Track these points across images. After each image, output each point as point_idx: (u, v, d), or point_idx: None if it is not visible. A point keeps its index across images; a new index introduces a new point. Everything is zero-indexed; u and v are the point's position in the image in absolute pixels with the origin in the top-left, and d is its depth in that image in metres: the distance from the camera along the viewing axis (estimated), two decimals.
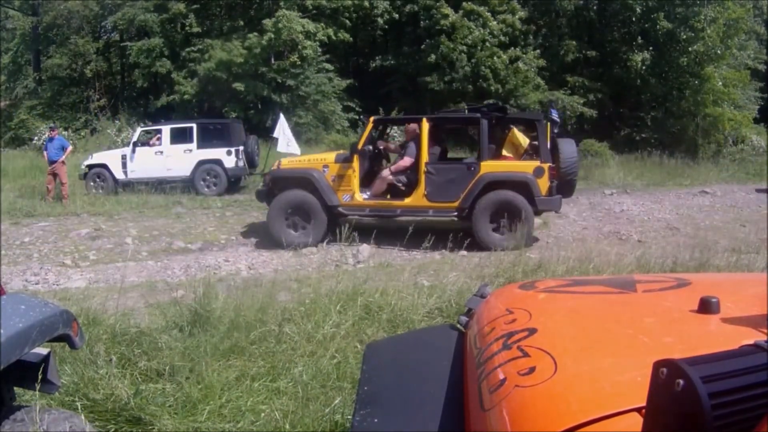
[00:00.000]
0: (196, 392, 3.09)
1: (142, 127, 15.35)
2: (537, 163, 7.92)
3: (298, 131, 19.06)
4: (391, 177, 8.24)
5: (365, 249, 7.77)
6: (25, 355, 1.78)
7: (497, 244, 7.38)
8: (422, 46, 21.78)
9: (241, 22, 21.65)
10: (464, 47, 20.17)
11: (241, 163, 13.26)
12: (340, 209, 8.18)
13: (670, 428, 0.67)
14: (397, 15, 22.55)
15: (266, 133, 15.75)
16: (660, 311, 1.27)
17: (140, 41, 22.22)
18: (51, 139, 11.99)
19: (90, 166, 13.34)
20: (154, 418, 2.91)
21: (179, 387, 3.17)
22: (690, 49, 19.38)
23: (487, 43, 20.32)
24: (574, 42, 22.13)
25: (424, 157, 8.03)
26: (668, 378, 0.67)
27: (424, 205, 8.06)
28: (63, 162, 11.83)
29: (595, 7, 23.26)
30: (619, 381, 0.93)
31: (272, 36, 19.54)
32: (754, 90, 22.74)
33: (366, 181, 8.40)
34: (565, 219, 10.73)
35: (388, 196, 8.32)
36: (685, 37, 19.31)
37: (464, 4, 20.45)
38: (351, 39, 22.44)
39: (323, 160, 8.41)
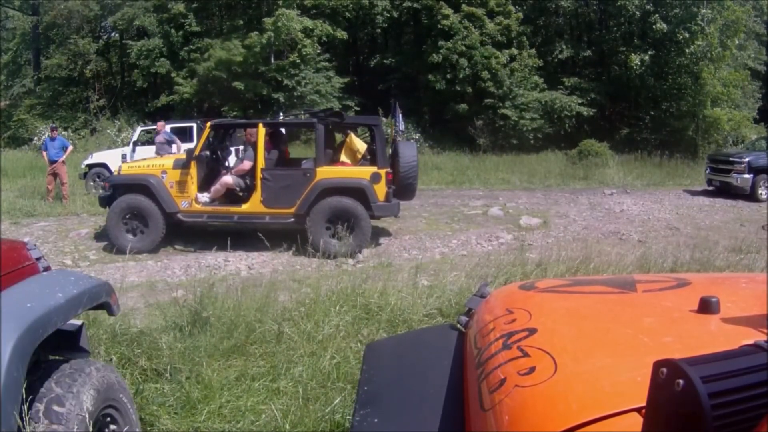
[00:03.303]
0: (196, 392, 3.09)
1: (141, 126, 15.35)
2: (374, 169, 7.90)
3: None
4: (230, 181, 8.20)
5: (365, 249, 7.77)
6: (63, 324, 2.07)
7: (333, 250, 7.33)
8: (423, 47, 21.80)
9: (241, 22, 21.67)
10: (463, 48, 20.19)
11: None
12: (179, 216, 8.10)
13: (670, 428, 0.67)
14: (396, 13, 22.55)
15: None
16: (660, 311, 1.27)
17: (140, 41, 22.24)
18: (52, 139, 11.99)
19: (90, 166, 13.35)
20: (154, 418, 2.91)
21: (179, 387, 3.17)
22: (687, 50, 19.39)
23: (485, 45, 20.34)
24: (572, 42, 22.17)
25: (260, 163, 8.00)
26: (668, 378, 0.67)
27: (261, 211, 8.00)
28: (63, 162, 11.83)
29: (595, 7, 23.27)
30: (619, 381, 0.93)
31: (272, 35, 19.55)
32: (753, 90, 22.75)
33: (206, 187, 8.33)
34: (565, 219, 10.74)
35: (227, 202, 8.27)
36: (682, 38, 19.32)
37: (463, 6, 20.47)
38: (350, 38, 22.46)
39: (162, 166, 8.29)
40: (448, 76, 20.59)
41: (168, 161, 8.45)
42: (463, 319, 1.49)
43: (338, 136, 9.27)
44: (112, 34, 25.90)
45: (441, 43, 20.54)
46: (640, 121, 21.56)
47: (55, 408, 1.87)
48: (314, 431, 2.79)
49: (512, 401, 0.95)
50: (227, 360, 3.49)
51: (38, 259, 2.30)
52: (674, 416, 0.66)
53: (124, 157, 13.32)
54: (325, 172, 7.91)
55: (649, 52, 20.43)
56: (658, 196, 13.41)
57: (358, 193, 7.79)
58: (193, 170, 8.10)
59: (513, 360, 1.07)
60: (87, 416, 1.94)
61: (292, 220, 7.96)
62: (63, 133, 17.09)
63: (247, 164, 8.18)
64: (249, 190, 8.13)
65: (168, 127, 13.27)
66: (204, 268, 7.08)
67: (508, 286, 1.72)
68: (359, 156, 8.28)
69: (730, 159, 13.79)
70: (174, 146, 11.89)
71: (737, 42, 20.27)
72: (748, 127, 20.49)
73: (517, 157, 19.20)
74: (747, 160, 13.42)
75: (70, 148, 12.45)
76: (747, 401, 0.65)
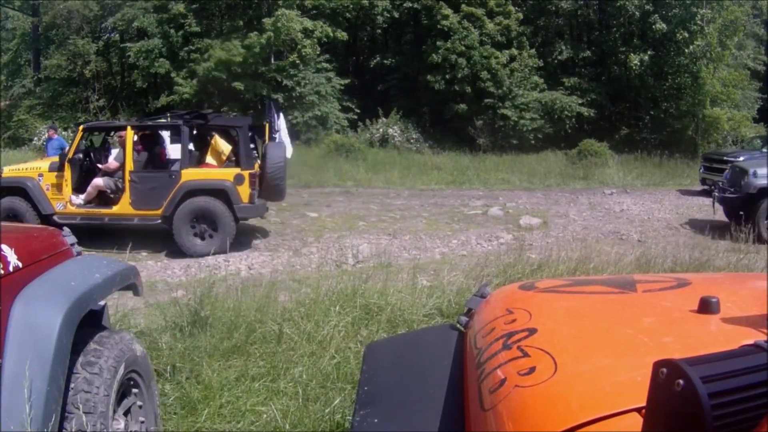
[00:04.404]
0: (196, 392, 3.09)
1: None
2: (237, 171, 7.99)
3: (297, 131, 19.09)
4: (101, 183, 8.28)
5: (365, 249, 7.77)
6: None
7: (198, 251, 7.50)
8: (423, 47, 21.81)
9: (241, 22, 21.67)
10: (462, 48, 20.20)
11: None
12: (55, 218, 8.14)
13: (670, 428, 0.67)
14: (396, 14, 22.55)
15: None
16: (660, 311, 1.27)
17: (139, 42, 22.23)
18: (50, 140, 12.00)
19: None
20: None
21: (179, 387, 3.17)
22: (686, 50, 19.41)
23: (484, 45, 20.35)
24: (571, 42, 22.19)
25: (129, 165, 8.11)
26: (668, 378, 0.67)
27: (130, 213, 8.11)
28: None
29: (595, 7, 23.28)
30: (619, 381, 0.93)
31: (271, 35, 19.55)
32: (753, 90, 22.76)
33: (81, 189, 8.41)
34: (565, 219, 10.74)
35: (101, 204, 8.35)
36: (681, 38, 19.33)
37: (462, 6, 20.48)
38: (350, 38, 22.45)
39: (38, 169, 8.38)
40: (447, 76, 20.60)
41: (45, 164, 8.55)
42: (463, 319, 1.49)
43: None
44: (112, 35, 25.89)
45: (440, 43, 20.55)
46: (639, 121, 21.57)
47: (87, 372, 2.12)
48: (314, 431, 2.79)
49: (512, 401, 0.95)
50: (227, 360, 3.49)
51: (72, 245, 2.53)
52: (674, 416, 0.66)
53: None
54: (190, 174, 8.02)
55: (649, 52, 20.44)
56: (658, 196, 13.42)
57: (222, 194, 7.91)
58: (68, 173, 8.22)
59: (513, 360, 1.07)
60: (113, 380, 2.18)
61: (159, 221, 8.10)
62: (63, 133, 17.08)
63: (113, 165, 8.34)
64: (120, 192, 8.23)
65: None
66: (204, 268, 7.07)
67: (508, 286, 1.72)
68: (224, 157, 8.38)
69: (725, 158, 13.60)
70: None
71: (736, 41, 20.29)
72: (747, 126, 20.49)
73: (517, 157, 19.21)
74: (742, 159, 13.36)
75: (67, 148, 12.45)
76: (747, 401, 0.65)
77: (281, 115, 14.76)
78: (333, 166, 16.55)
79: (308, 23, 20.31)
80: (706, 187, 13.80)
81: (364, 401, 1.29)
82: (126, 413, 2.34)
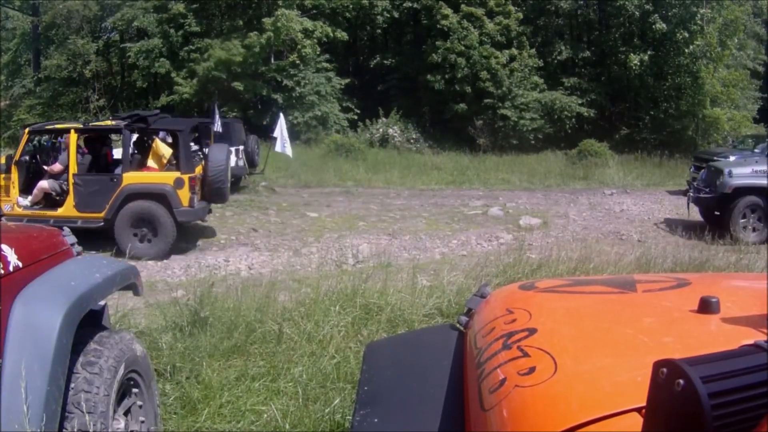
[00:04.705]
0: (196, 392, 3.09)
1: None
2: (177, 174, 8.00)
3: (297, 132, 19.10)
4: (46, 186, 8.31)
5: (365, 249, 7.77)
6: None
7: (139, 253, 7.45)
8: (423, 47, 21.81)
9: (241, 22, 21.67)
10: (462, 48, 20.21)
11: (241, 163, 13.25)
12: (3, 219, 8.23)
13: (670, 428, 0.67)
14: (396, 14, 22.55)
15: (266, 133, 15.78)
16: (660, 311, 1.27)
17: (139, 42, 22.23)
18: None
19: None
20: None
21: (179, 387, 3.17)
22: (686, 50, 19.41)
23: (484, 45, 20.35)
24: (571, 42, 22.19)
25: (72, 168, 8.13)
26: (668, 378, 0.67)
27: (74, 215, 8.10)
28: None
29: (595, 7, 23.29)
30: (619, 381, 0.93)
31: (271, 35, 19.55)
32: (753, 90, 22.77)
33: (29, 191, 8.43)
34: (565, 219, 10.74)
35: (48, 206, 8.36)
36: (681, 37, 19.34)
37: (462, 6, 20.49)
38: (350, 38, 22.46)
39: None
40: (447, 76, 20.60)
41: None
42: (463, 319, 1.49)
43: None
44: (112, 35, 25.90)
45: (439, 43, 20.56)
46: (639, 122, 21.58)
47: (87, 372, 2.13)
48: (314, 431, 2.79)
49: (512, 401, 0.95)
50: (227, 360, 3.49)
51: (72, 245, 2.54)
52: (674, 416, 0.66)
53: None
54: (131, 178, 8.05)
55: (649, 52, 20.45)
56: (658, 196, 13.42)
57: (162, 198, 7.93)
58: (15, 175, 8.24)
59: (513, 360, 1.07)
60: (113, 380, 2.19)
61: (102, 224, 8.10)
62: None
63: (56, 167, 8.35)
64: (65, 195, 8.27)
65: None
66: (204, 268, 7.08)
67: (508, 286, 1.72)
68: (165, 161, 8.41)
69: (715, 158, 13.44)
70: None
71: (736, 42, 20.30)
72: (748, 126, 20.49)
73: (517, 157, 19.21)
74: (731, 159, 13.39)
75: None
76: (747, 401, 0.65)
77: (281, 115, 14.79)
78: (333, 166, 16.55)
79: (308, 23, 20.31)
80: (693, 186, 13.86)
81: (364, 401, 1.29)
82: (126, 413, 2.34)
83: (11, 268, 2.02)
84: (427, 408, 1.23)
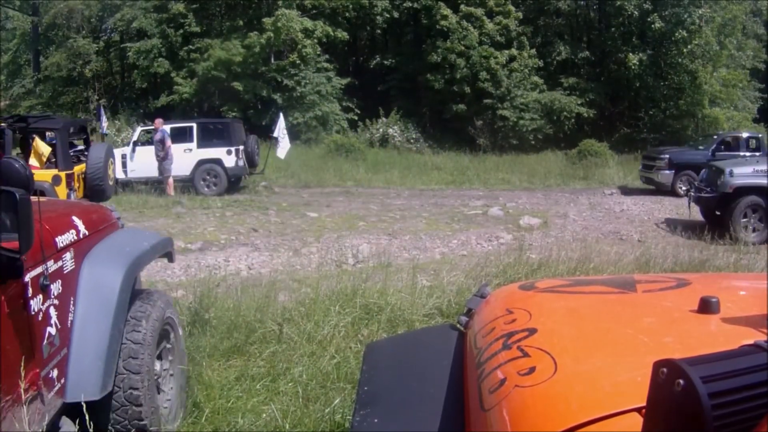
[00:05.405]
0: (196, 392, 3.09)
1: (141, 126, 15.35)
2: (55, 172, 8.08)
3: (297, 132, 19.10)
4: None
5: (365, 249, 7.77)
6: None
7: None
8: (423, 47, 21.81)
9: (241, 22, 21.68)
10: (461, 48, 20.20)
11: (241, 163, 13.26)
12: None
13: (670, 428, 0.67)
14: (396, 14, 22.54)
15: (266, 133, 15.78)
16: (660, 311, 1.27)
17: (139, 42, 22.23)
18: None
19: None
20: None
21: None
22: (685, 50, 19.40)
23: (483, 45, 20.35)
24: (571, 42, 22.18)
25: None
26: (668, 378, 0.67)
27: None
28: None
29: (595, 7, 23.28)
30: (619, 381, 0.93)
31: (271, 35, 19.54)
32: (753, 90, 22.76)
33: None
34: (565, 219, 10.74)
35: None
36: (680, 37, 19.34)
37: (462, 6, 20.48)
38: (350, 38, 22.46)
39: None
40: (447, 76, 20.60)
41: None
42: (463, 319, 1.49)
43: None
44: (112, 35, 25.90)
45: (439, 43, 20.55)
46: (639, 121, 21.58)
47: (136, 321, 2.58)
48: (314, 431, 2.79)
49: (512, 401, 0.95)
50: (227, 360, 3.49)
51: (118, 218, 2.95)
52: (674, 416, 0.66)
53: (124, 157, 13.32)
54: None
55: (648, 52, 20.45)
56: (658, 196, 13.41)
57: (40, 194, 8.01)
58: None
59: (513, 360, 1.07)
60: (154, 328, 2.65)
61: None
62: None
63: None
64: None
65: (167, 127, 13.27)
66: (204, 268, 7.07)
67: (508, 286, 1.72)
68: (44, 159, 8.49)
69: (660, 156, 14.14)
70: (169, 142, 11.96)
71: (735, 42, 20.29)
72: (747, 126, 20.48)
73: (517, 157, 19.21)
74: (668, 156, 13.67)
75: None
76: (747, 401, 0.65)
77: (281, 115, 14.79)
78: (333, 166, 16.54)
79: (308, 23, 20.30)
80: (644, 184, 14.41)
81: (364, 401, 1.29)
82: (160, 355, 2.82)
83: (81, 236, 2.46)
84: (427, 408, 1.22)
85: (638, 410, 0.80)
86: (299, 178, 15.36)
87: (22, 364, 1.90)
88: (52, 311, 2.19)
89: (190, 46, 21.33)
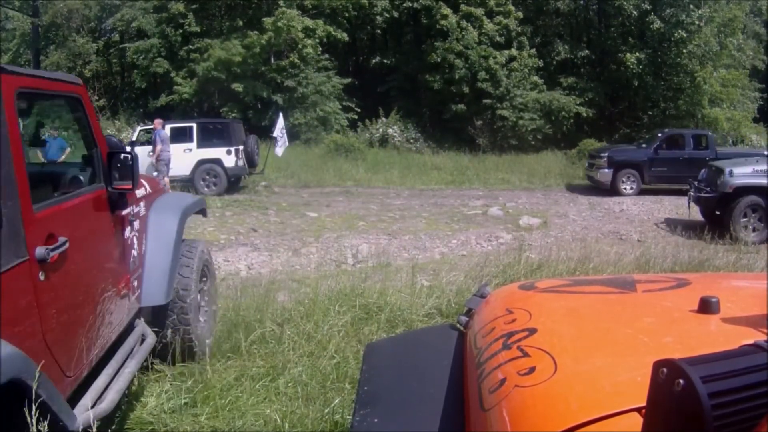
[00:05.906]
0: (196, 392, 3.09)
1: (141, 126, 15.35)
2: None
3: (298, 132, 19.09)
4: None
5: (365, 248, 7.76)
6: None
7: None
8: (423, 47, 21.80)
9: (241, 22, 21.65)
10: (460, 48, 20.19)
11: (241, 163, 13.26)
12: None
13: (670, 428, 0.67)
14: (396, 14, 22.53)
15: (266, 134, 15.78)
16: (660, 311, 1.27)
17: (138, 42, 22.22)
18: (54, 139, 12.00)
19: None
20: (154, 418, 2.91)
21: (179, 387, 3.17)
22: (684, 50, 19.40)
23: (482, 45, 20.33)
24: (570, 42, 22.17)
25: None
26: (668, 378, 0.67)
27: None
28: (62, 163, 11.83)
29: (594, 7, 23.27)
30: (619, 381, 0.92)
31: (272, 35, 19.52)
32: (753, 90, 22.75)
33: None
34: (565, 219, 10.74)
35: None
36: (679, 37, 19.34)
37: (462, 6, 20.47)
38: (350, 38, 22.44)
39: None
40: (446, 76, 20.59)
41: None
42: (463, 319, 1.49)
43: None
44: (112, 35, 25.89)
45: (437, 43, 20.54)
46: (638, 121, 21.57)
47: (187, 258, 3.54)
48: (314, 431, 2.79)
49: (512, 401, 0.95)
50: (227, 360, 3.49)
51: (164, 186, 3.89)
52: (674, 416, 0.66)
53: None
54: None
55: (647, 51, 20.45)
56: (658, 196, 13.41)
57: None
58: None
59: (513, 360, 1.07)
60: (198, 266, 3.61)
61: None
62: (63, 134, 17.08)
63: None
64: None
65: (167, 127, 13.25)
66: None
67: (508, 286, 1.71)
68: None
69: (594, 154, 14.43)
70: (159, 145, 11.95)
71: (735, 42, 20.28)
72: (747, 126, 20.49)
73: (517, 157, 19.20)
74: (606, 154, 13.83)
75: (68, 150, 12.42)
76: (747, 401, 0.65)
77: (280, 114, 14.79)
78: (333, 166, 16.54)
79: (309, 23, 20.29)
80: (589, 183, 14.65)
81: (363, 401, 1.29)
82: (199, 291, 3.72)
83: (146, 192, 3.36)
84: (427, 408, 1.22)
85: (638, 410, 0.80)
86: (299, 178, 15.36)
87: (122, 269, 2.84)
88: (135, 240, 3.07)
89: (190, 46, 21.30)
